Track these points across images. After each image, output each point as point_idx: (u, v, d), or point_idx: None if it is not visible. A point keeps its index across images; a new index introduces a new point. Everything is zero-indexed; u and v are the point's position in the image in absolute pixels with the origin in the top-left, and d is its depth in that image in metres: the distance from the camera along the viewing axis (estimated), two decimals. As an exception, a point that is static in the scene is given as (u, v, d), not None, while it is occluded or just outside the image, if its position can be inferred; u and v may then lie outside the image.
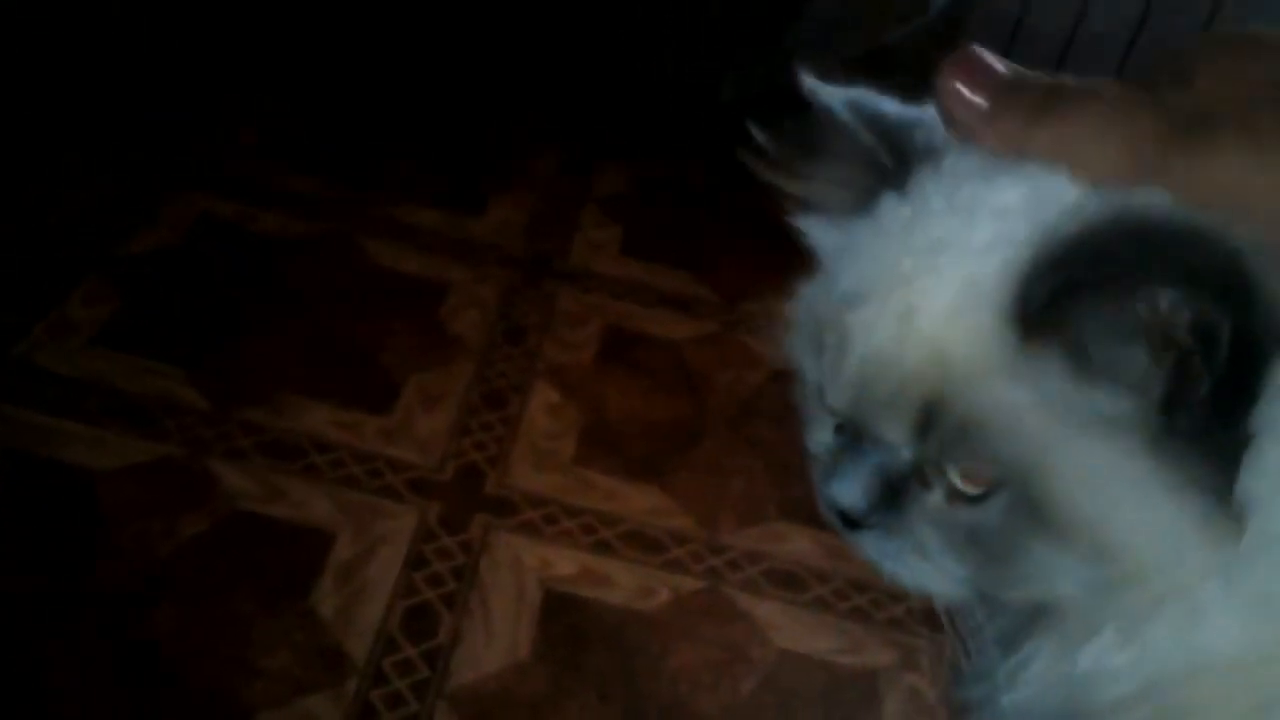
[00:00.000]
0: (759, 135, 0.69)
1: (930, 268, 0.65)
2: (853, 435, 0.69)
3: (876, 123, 0.68)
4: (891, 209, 0.67)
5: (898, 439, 0.67)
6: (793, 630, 1.48)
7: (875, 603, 1.53)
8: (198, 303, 1.77)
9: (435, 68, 2.49)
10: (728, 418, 1.79)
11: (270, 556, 1.42)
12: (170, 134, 2.13)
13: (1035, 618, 0.69)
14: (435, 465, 1.59)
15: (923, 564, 0.69)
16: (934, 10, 2.36)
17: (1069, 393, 0.61)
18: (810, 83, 0.66)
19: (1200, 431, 0.59)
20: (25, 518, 1.40)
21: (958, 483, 0.64)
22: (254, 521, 1.45)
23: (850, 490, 0.66)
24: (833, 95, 0.67)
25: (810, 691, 1.43)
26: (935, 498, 0.65)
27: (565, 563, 1.51)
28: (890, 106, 0.69)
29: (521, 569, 1.48)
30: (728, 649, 1.44)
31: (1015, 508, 0.63)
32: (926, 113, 0.68)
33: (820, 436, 0.73)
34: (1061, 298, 0.59)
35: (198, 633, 1.32)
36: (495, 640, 1.39)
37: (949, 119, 0.61)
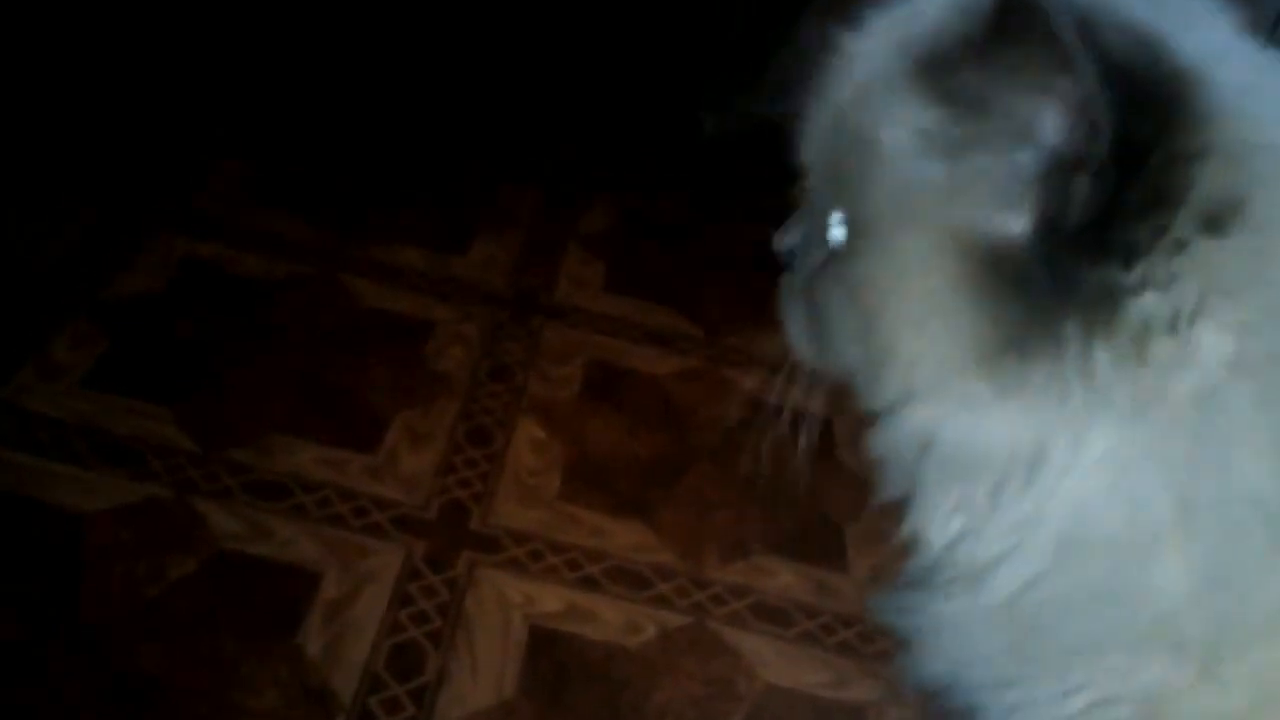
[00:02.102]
0: None
1: (892, 18, 0.66)
2: (804, 198, 0.73)
3: None
4: None
5: (808, 159, 0.70)
6: (779, 665, 1.49)
7: (862, 637, 1.54)
8: (184, 343, 1.78)
9: (417, 107, 2.51)
10: (711, 452, 1.80)
11: (257, 596, 1.42)
12: (152, 176, 2.14)
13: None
14: (421, 503, 1.60)
15: (795, 311, 0.74)
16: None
17: (940, 150, 0.59)
18: None
19: (1056, 270, 0.55)
20: (11, 559, 1.39)
21: (835, 230, 0.66)
22: (241, 561, 1.46)
23: (780, 234, 0.74)
24: None
25: (797, 726, 1.43)
26: (821, 252, 0.69)
27: (550, 599, 1.51)
28: None
29: (507, 606, 1.48)
30: (714, 684, 1.45)
31: (840, 273, 0.66)
32: None
33: None
34: (962, 57, 0.58)
35: (185, 672, 1.32)
36: (481, 678, 1.39)
37: None
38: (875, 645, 1.54)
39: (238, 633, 1.37)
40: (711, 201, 2.46)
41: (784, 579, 1.61)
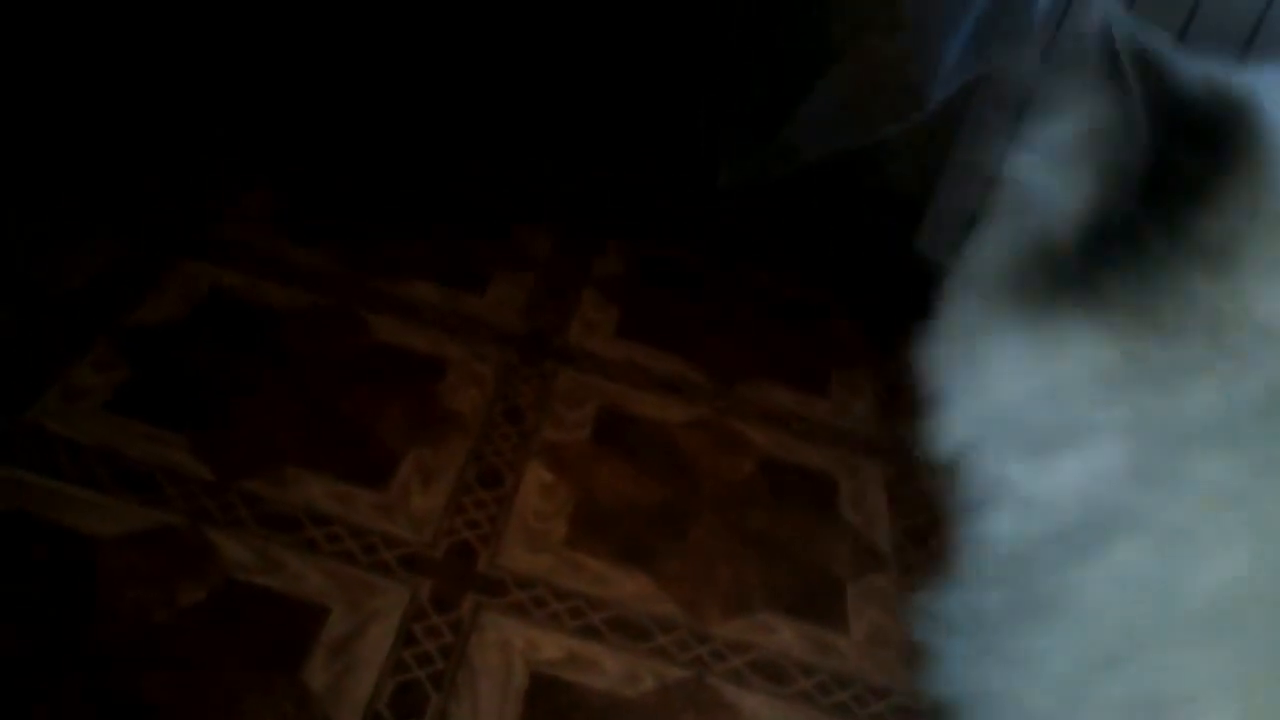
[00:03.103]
0: None
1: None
2: None
3: None
4: None
5: None
6: (775, 723, 1.51)
7: (858, 699, 1.56)
8: (204, 371, 1.80)
9: (437, 144, 2.55)
10: (717, 504, 1.82)
11: (265, 628, 1.44)
12: (177, 204, 2.17)
13: None
14: (429, 542, 1.62)
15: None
16: (929, 109, 2.41)
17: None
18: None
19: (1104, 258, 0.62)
20: (27, 581, 1.41)
21: None
22: (251, 592, 1.47)
23: None
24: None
25: (790, 785, 1.45)
26: None
27: (552, 646, 1.53)
28: None
29: (509, 650, 1.50)
30: (711, 739, 1.47)
31: None
32: None
33: None
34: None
35: (190, 702, 1.33)
36: (481, 721, 1.41)
37: None
38: (870, 707, 1.55)
39: (244, 664, 1.39)
40: (725, 251, 2.49)
41: (784, 636, 1.63)
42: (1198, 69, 0.62)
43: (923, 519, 1.86)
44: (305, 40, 2.61)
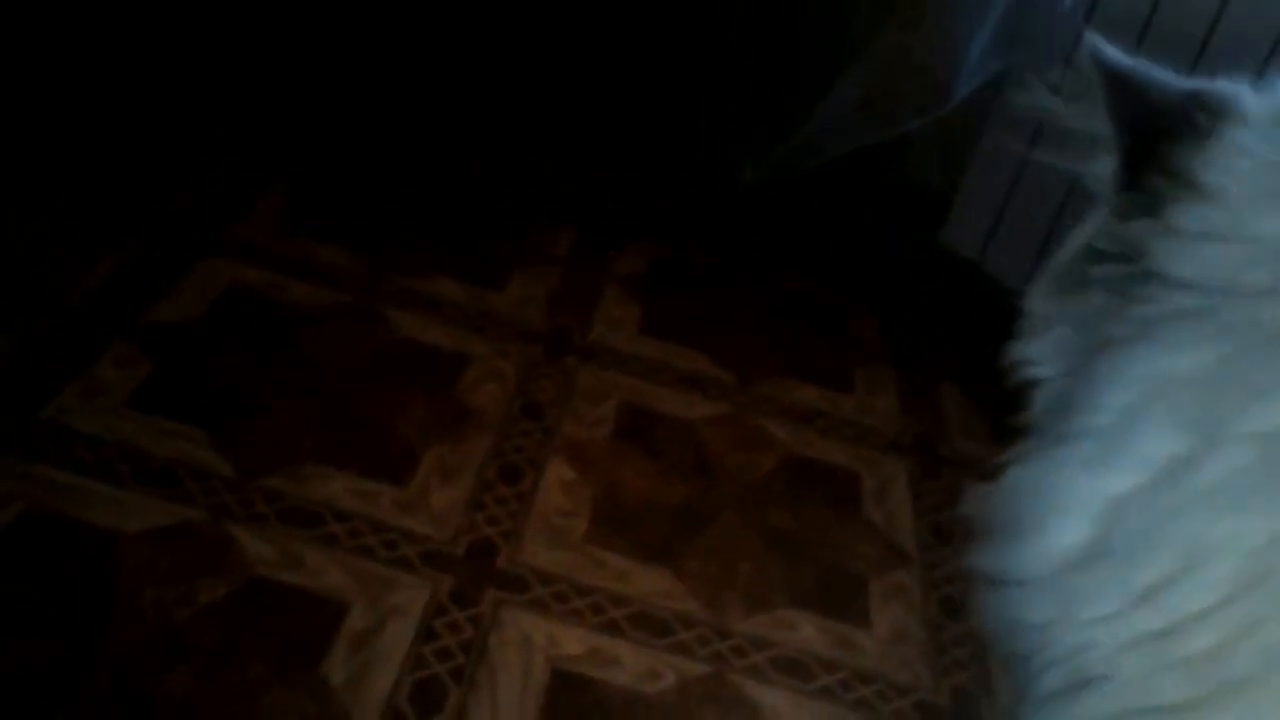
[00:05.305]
0: None
1: None
2: None
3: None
4: None
5: None
6: (797, 719, 1.50)
7: (881, 695, 1.55)
8: (225, 368, 1.80)
9: (459, 142, 2.55)
10: (738, 501, 1.81)
11: (285, 624, 1.44)
12: (198, 202, 2.18)
13: None
14: (449, 538, 1.62)
15: None
16: (952, 104, 2.39)
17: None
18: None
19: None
20: (48, 577, 1.42)
21: None
22: (271, 588, 1.48)
23: None
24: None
25: (812, 782, 1.44)
26: None
27: (573, 642, 1.52)
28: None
29: (530, 646, 1.50)
30: (732, 735, 1.46)
31: None
32: None
33: None
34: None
35: (210, 699, 1.33)
36: (501, 718, 1.40)
37: None
38: (893, 703, 1.54)
39: (264, 660, 1.39)
40: (747, 249, 2.48)
41: (805, 632, 1.62)
42: (1173, 81, 0.68)
43: (946, 515, 1.85)
44: (319, 39, 2.61)
